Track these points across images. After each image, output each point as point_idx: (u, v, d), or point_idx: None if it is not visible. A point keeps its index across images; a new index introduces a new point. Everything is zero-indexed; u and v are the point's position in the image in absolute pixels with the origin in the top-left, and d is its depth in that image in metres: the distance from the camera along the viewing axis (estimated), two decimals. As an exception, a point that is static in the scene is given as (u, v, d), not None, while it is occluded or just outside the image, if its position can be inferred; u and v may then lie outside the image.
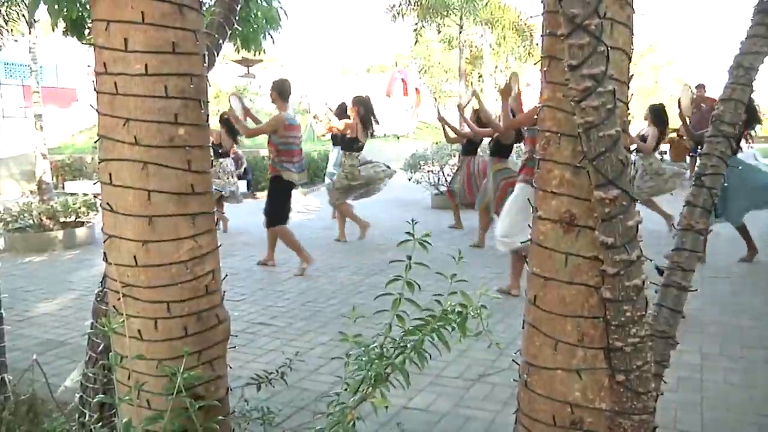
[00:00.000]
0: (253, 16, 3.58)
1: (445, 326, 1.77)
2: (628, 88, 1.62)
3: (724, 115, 1.90)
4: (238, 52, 3.95)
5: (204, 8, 2.08)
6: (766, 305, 5.16)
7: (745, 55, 1.85)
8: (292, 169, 6.63)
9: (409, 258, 1.81)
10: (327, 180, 10.08)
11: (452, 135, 9.05)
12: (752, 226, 8.83)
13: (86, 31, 3.45)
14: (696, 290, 1.95)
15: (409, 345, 1.78)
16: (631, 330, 1.53)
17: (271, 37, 3.77)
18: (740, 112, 1.89)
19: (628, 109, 1.63)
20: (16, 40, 11.42)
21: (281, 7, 3.76)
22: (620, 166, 1.43)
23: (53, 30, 3.37)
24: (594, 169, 1.44)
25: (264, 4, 3.63)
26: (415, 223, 1.81)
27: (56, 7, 3.06)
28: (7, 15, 10.11)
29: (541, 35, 1.62)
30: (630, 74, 1.62)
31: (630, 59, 1.60)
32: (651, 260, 1.66)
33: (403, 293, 1.82)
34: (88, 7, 3.16)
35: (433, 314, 1.79)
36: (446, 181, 12.13)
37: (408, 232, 1.80)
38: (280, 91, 6.66)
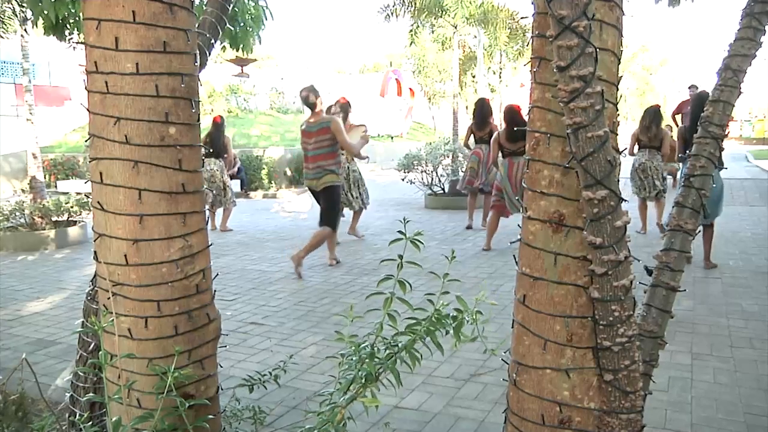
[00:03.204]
0: (240, 16, 3.57)
1: (440, 329, 1.78)
2: (617, 89, 1.63)
3: (712, 116, 1.92)
4: (224, 51, 3.97)
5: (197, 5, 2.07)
6: (756, 306, 5.19)
7: (733, 57, 1.86)
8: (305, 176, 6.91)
9: (401, 257, 1.82)
10: None
11: None
12: (746, 226, 8.89)
13: (66, 31, 3.44)
14: (685, 290, 1.97)
15: (400, 345, 1.78)
16: (619, 330, 1.53)
17: (259, 37, 3.77)
18: (728, 114, 1.91)
19: (616, 109, 1.64)
20: (7, 38, 11.35)
21: (266, 7, 3.75)
22: (608, 167, 1.44)
23: (34, 27, 3.37)
24: (582, 170, 1.45)
25: (250, 2, 3.63)
26: (407, 222, 1.82)
27: (40, 5, 3.04)
28: (2, 13, 10.05)
29: (531, 36, 1.63)
30: (619, 75, 1.63)
31: (619, 61, 1.61)
32: (639, 260, 1.67)
33: (394, 292, 1.83)
34: (70, 8, 3.15)
35: (427, 316, 1.80)
36: (439, 181, 12.15)
37: (399, 231, 1.81)
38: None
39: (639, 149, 8.30)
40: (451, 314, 1.83)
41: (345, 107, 8.06)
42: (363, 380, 1.78)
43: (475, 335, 1.79)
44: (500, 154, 7.63)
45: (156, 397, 1.83)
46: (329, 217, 6.72)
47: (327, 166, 6.61)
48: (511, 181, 7.50)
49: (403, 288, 1.84)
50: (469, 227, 9.32)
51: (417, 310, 1.85)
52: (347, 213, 8.83)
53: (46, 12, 3.10)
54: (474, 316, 1.81)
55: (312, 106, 6.70)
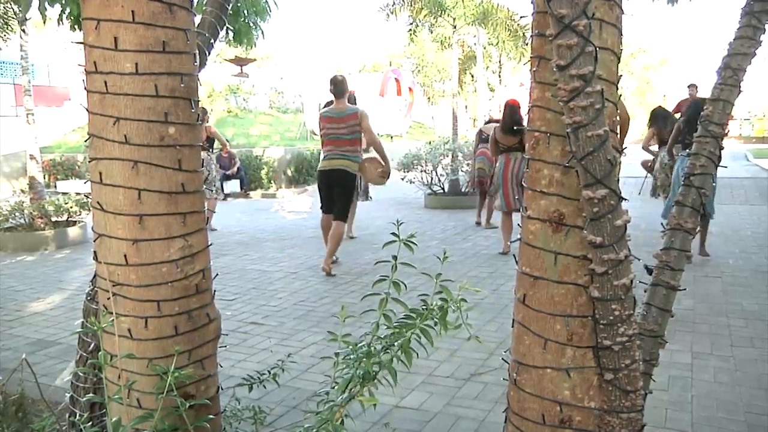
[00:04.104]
0: (244, 11, 3.57)
1: (429, 322, 1.77)
2: (617, 88, 1.63)
3: (712, 115, 1.91)
4: (230, 46, 3.94)
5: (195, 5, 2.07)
6: (756, 305, 5.19)
7: (732, 57, 1.86)
8: (323, 158, 6.86)
9: (395, 258, 1.82)
10: None
11: None
12: (746, 225, 8.90)
13: None
14: (685, 289, 1.97)
15: (395, 343, 1.78)
16: (619, 329, 1.53)
17: (262, 31, 3.76)
18: (728, 113, 1.90)
19: (617, 108, 1.63)
20: (9, 38, 11.34)
21: None
22: (608, 166, 1.44)
23: (60, 24, 3.39)
24: (582, 169, 1.45)
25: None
26: (401, 224, 1.82)
27: (46, 4, 3.06)
28: (5, 13, 10.05)
29: (531, 35, 1.62)
30: (619, 74, 1.63)
31: (619, 60, 1.60)
32: (639, 259, 1.67)
33: (390, 292, 1.83)
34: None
35: (416, 311, 1.80)
36: (439, 180, 12.14)
37: (393, 233, 1.82)
38: (332, 90, 6.83)
39: (660, 147, 8.21)
40: (437, 305, 1.82)
41: (352, 98, 7.93)
42: (360, 379, 1.78)
43: (459, 323, 1.78)
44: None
45: (156, 397, 1.83)
46: (344, 209, 6.76)
47: (352, 153, 6.69)
48: (506, 176, 7.35)
49: (397, 289, 1.84)
50: (478, 223, 9.34)
51: (412, 309, 1.85)
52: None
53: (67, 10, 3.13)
54: (458, 305, 1.80)
55: (342, 94, 6.75)
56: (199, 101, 1.98)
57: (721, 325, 4.67)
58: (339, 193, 6.74)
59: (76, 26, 3.48)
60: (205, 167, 9.38)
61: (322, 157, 6.90)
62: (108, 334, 1.89)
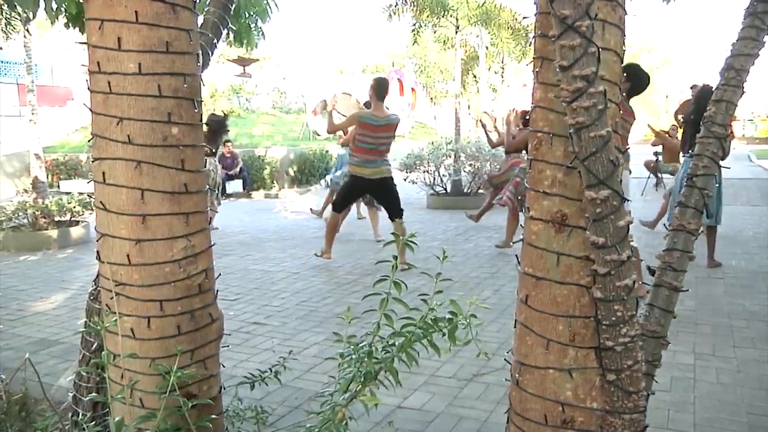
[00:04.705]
0: (245, 13, 3.58)
1: (436, 331, 1.78)
2: (620, 89, 1.63)
3: (715, 116, 1.91)
4: (231, 46, 3.95)
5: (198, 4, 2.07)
6: (758, 305, 5.19)
7: (735, 57, 1.86)
8: (362, 164, 6.79)
9: (395, 257, 1.83)
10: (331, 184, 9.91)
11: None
12: (748, 226, 8.88)
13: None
14: (687, 290, 1.96)
15: (397, 344, 1.79)
16: (621, 330, 1.53)
17: (262, 32, 3.76)
18: (731, 113, 1.90)
19: (619, 109, 1.63)
20: (13, 38, 11.36)
21: None
22: (611, 167, 1.44)
23: (52, 24, 3.39)
24: (585, 170, 1.45)
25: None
26: (397, 222, 1.82)
27: (54, 4, 3.07)
28: (9, 14, 10.06)
29: (533, 36, 1.62)
30: (621, 75, 1.63)
31: (622, 60, 1.60)
32: (642, 260, 1.67)
33: (390, 293, 1.83)
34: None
35: (422, 318, 1.81)
36: (442, 181, 12.13)
37: (393, 233, 1.82)
38: (374, 90, 6.77)
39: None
40: (446, 317, 1.84)
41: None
42: (362, 379, 1.78)
43: (469, 338, 1.79)
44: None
45: (159, 397, 1.84)
46: (399, 207, 6.82)
47: (387, 159, 6.89)
48: None
49: (398, 288, 1.85)
50: (470, 216, 9.19)
51: (413, 309, 1.86)
52: (351, 212, 8.85)
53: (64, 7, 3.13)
54: (468, 320, 1.81)
55: (384, 97, 6.81)
56: (201, 101, 1.98)
57: (723, 326, 4.67)
58: (390, 198, 6.87)
59: (71, 24, 3.48)
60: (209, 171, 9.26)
61: (360, 162, 6.76)
62: (111, 334, 1.89)
